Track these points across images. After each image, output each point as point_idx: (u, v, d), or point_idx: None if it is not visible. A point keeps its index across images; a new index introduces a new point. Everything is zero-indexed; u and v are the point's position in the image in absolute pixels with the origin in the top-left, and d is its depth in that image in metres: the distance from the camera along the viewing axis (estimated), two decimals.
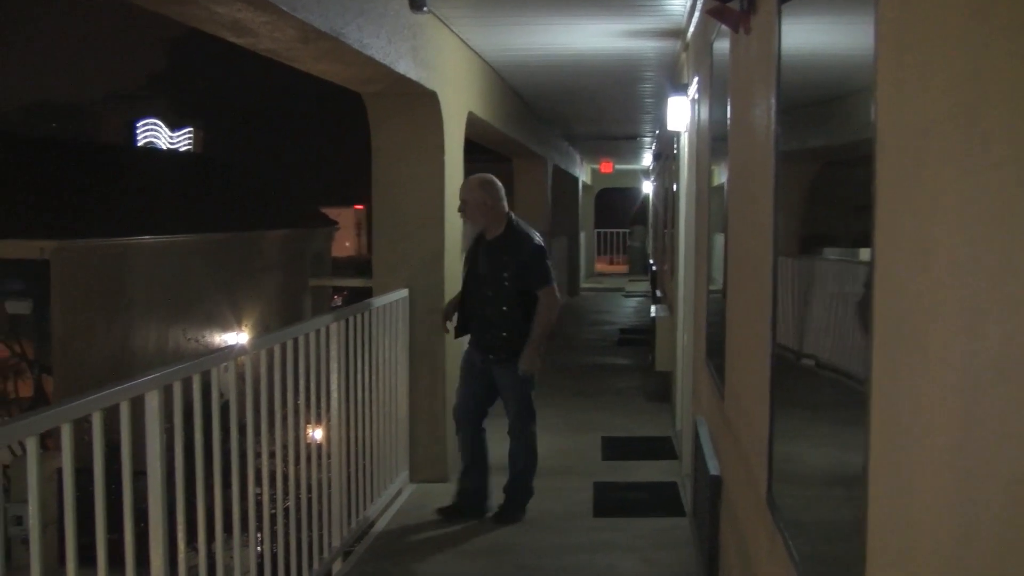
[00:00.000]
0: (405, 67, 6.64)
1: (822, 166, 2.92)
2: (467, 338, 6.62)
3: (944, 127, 1.53)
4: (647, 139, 19.10)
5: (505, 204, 6.47)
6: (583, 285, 25.15)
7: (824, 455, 2.66)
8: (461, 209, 6.44)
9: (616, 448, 8.69)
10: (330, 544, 5.57)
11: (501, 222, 6.37)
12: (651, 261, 20.12)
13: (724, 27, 4.35)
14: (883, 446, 1.83)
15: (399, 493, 7.10)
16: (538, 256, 6.33)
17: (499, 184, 6.50)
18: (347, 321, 5.84)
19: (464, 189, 6.47)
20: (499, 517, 6.56)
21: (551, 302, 6.33)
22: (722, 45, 4.84)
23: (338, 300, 31.09)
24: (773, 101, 3.14)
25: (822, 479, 2.68)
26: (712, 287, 5.64)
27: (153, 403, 3.59)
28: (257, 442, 4.62)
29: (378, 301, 6.57)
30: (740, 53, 4.14)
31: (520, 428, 6.53)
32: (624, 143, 20.06)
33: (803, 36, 2.93)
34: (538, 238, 6.44)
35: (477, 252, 6.41)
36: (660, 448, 8.65)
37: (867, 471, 1.90)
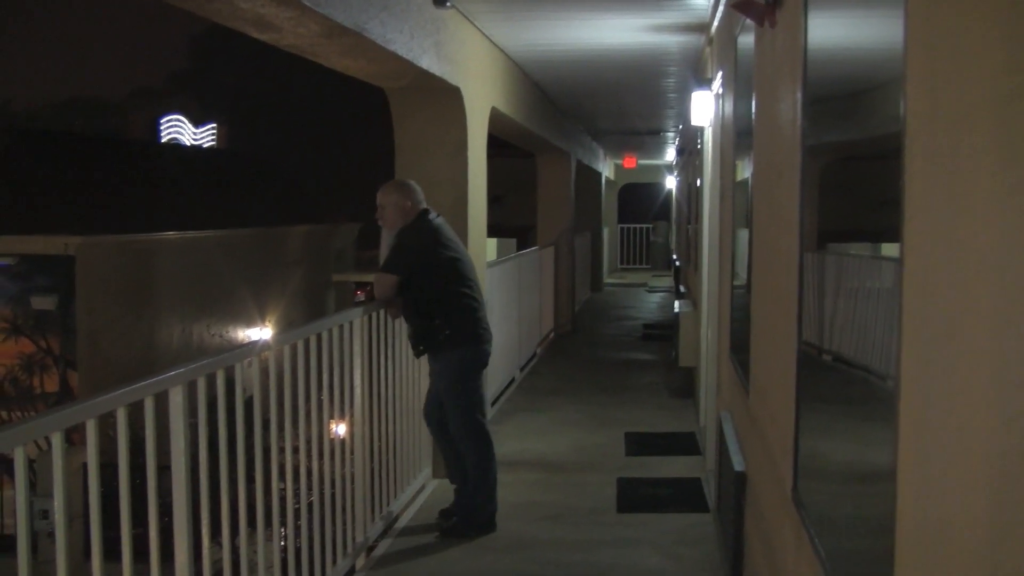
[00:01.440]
0: (428, 62, 6.63)
1: (843, 160, 2.90)
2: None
3: (979, 118, 1.51)
4: (671, 134, 19.05)
5: (421, 205, 6.23)
6: (606, 280, 25.10)
7: (851, 451, 2.64)
8: (379, 215, 6.25)
9: (640, 444, 8.67)
10: (353, 539, 5.58)
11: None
12: (674, 256, 20.08)
13: (749, 21, 4.33)
14: (913, 443, 1.81)
15: (422, 489, 7.10)
16: (397, 242, 6.10)
17: (417, 188, 6.29)
18: (370, 316, 5.84)
19: (381, 194, 6.25)
20: (442, 530, 6.31)
21: (375, 282, 6.12)
22: (747, 39, 4.82)
23: (360, 295, 31.16)
24: (799, 95, 3.11)
25: (849, 475, 2.65)
26: (736, 282, 5.61)
27: (177, 398, 3.60)
28: (281, 437, 4.63)
29: None
30: (765, 47, 4.11)
31: (456, 432, 6.27)
32: (648, 138, 20.00)
33: (830, 29, 2.90)
34: (423, 228, 6.12)
35: None
36: (684, 444, 8.62)
37: (896, 469, 1.88)
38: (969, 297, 1.54)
